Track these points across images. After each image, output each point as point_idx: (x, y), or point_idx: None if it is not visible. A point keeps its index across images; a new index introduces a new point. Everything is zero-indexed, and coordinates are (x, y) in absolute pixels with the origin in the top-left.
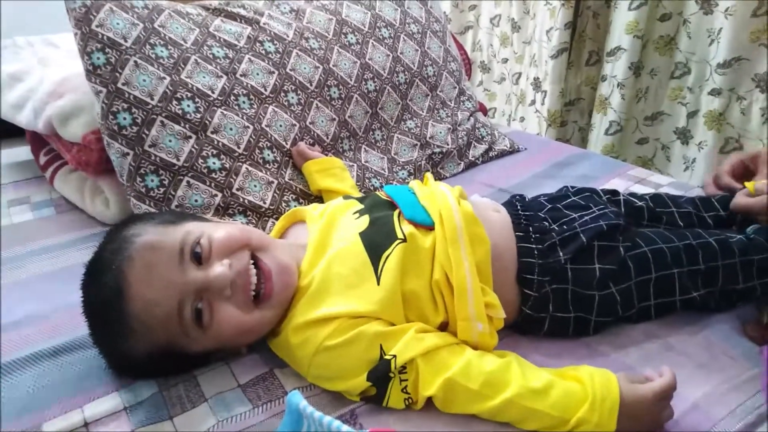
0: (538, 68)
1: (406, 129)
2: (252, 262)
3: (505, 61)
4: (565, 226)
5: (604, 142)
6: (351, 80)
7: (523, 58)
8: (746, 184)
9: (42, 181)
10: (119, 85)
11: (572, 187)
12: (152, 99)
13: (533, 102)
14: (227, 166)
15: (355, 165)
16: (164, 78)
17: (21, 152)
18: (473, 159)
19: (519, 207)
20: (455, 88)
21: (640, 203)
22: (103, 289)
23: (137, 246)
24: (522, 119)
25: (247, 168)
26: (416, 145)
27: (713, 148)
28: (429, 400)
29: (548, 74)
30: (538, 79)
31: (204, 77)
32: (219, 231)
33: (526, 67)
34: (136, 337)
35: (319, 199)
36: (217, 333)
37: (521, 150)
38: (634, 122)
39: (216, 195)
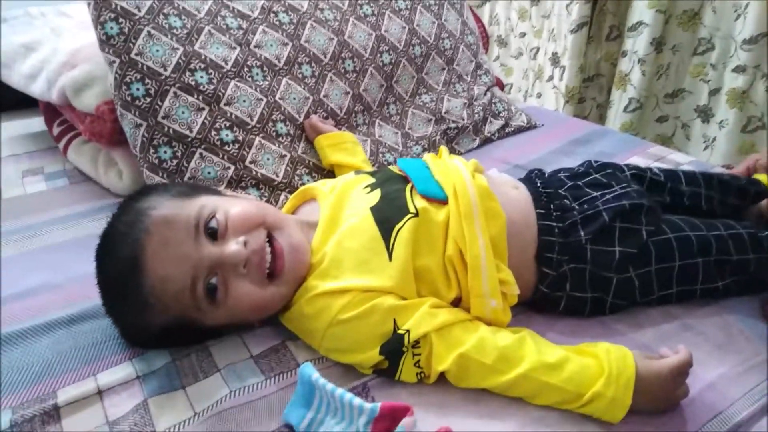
0: (556, 43)
1: (421, 103)
2: (267, 240)
3: (523, 35)
4: (586, 205)
5: (622, 119)
6: (366, 53)
7: (541, 33)
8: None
9: (56, 151)
10: (132, 55)
11: (595, 162)
12: (165, 70)
13: (551, 77)
14: (240, 138)
15: (369, 140)
16: (177, 49)
17: (35, 123)
18: (489, 135)
19: (539, 184)
20: (472, 61)
21: (662, 178)
22: (119, 262)
23: (153, 219)
24: (539, 95)
25: (260, 141)
26: (431, 120)
27: (735, 126)
28: (441, 375)
29: (567, 49)
30: (557, 54)
31: (217, 48)
32: (235, 207)
33: (544, 42)
34: (151, 310)
35: (332, 173)
36: (232, 308)
37: (538, 126)
38: (654, 99)
39: (229, 168)
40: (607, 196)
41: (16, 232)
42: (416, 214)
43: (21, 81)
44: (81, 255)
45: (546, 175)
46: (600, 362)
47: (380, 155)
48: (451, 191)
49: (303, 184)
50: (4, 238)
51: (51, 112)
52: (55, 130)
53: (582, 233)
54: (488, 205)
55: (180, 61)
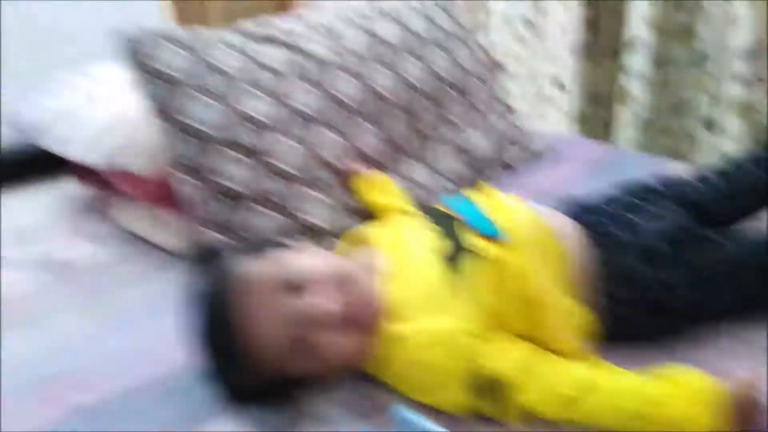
0: (555, 64)
1: (445, 139)
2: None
3: (520, 58)
4: (629, 231)
5: (628, 135)
6: (389, 95)
7: (539, 55)
8: None
9: (99, 213)
10: (176, 116)
11: (626, 184)
12: (208, 128)
13: (552, 99)
14: (285, 189)
15: (401, 179)
16: (217, 106)
17: (72, 186)
18: (510, 163)
19: (581, 213)
20: (486, 92)
21: (693, 189)
22: (212, 326)
23: (240, 281)
24: (541, 117)
25: (304, 190)
26: (456, 154)
27: (739, 135)
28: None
29: (567, 70)
30: (556, 75)
31: (254, 102)
32: (309, 261)
33: (542, 64)
34: (249, 368)
35: (373, 215)
36: (322, 360)
37: (554, 151)
38: (658, 113)
39: (278, 219)
40: (649, 220)
41: (84, 304)
42: (478, 254)
43: (76, 153)
44: (160, 317)
45: (585, 204)
46: (676, 385)
47: (414, 195)
48: (506, 228)
49: (348, 228)
50: (75, 307)
51: (87, 173)
52: (96, 192)
53: (630, 260)
54: (545, 240)
55: (222, 118)
